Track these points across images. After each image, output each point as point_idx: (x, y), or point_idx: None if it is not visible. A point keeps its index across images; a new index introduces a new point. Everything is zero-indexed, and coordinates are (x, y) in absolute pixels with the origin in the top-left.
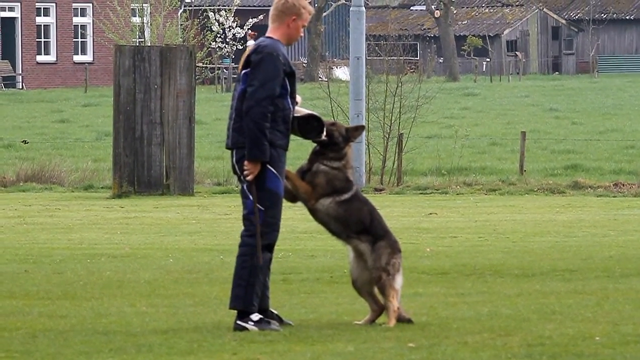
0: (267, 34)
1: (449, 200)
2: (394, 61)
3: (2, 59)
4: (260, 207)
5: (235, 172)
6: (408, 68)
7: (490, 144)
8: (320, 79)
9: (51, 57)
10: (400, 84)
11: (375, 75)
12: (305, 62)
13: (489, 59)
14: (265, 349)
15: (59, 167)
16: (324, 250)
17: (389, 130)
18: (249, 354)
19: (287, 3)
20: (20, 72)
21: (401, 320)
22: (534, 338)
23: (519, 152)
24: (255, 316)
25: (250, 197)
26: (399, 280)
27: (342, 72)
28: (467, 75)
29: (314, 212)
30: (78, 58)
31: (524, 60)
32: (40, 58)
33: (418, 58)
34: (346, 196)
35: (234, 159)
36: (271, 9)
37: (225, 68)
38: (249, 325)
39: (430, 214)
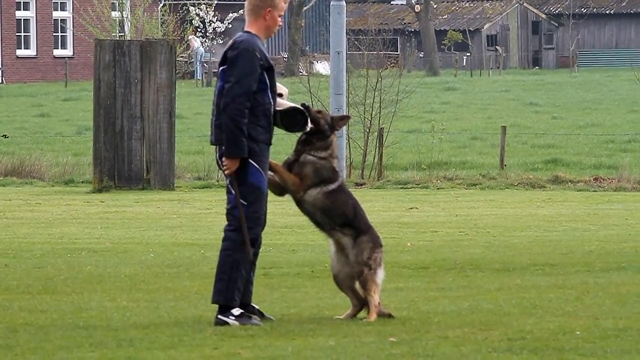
0: (245, 29)
1: (429, 194)
2: (374, 55)
3: None
4: (243, 201)
5: (219, 168)
6: (388, 62)
7: (470, 138)
8: (300, 74)
9: (31, 52)
10: (380, 79)
11: (356, 69)
12: (286, 56)
13: (469, 54)
14: (246, 343)
15: (39, 161)
16: (305, 244)
17: (369, 125)
18: (229, 349)
19: None
20: (0, 66)
21: (381, 315)
22: (514, 332)
23: (500, 146)
24: (237, 311)
25: (233, 192)
26: (380, 275)
27: (322, 67)
28: (448, 69)
29: (300, 203)
30: (58, 52)
31: (504, 54)
32: (20, 52)
33: (398, 52)
34: (333, 187)
35: (217, 154)
36: (246, 3)
37: (205, 62)
38: (230, 320)
39: (411, 208)
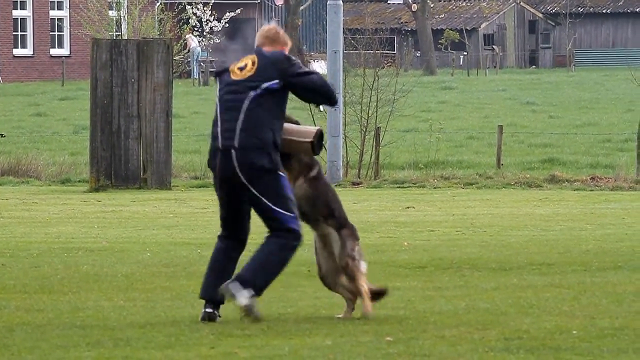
0: (259, 47)
1: (426, 194)
2: (371, 55)
3: None
4: (292, 214)
5: (236, 178)
6: (385, 62)
7: (467, 137)
8: None
9: (28, 51)
10: (377, 78)
11: (352, 68)
12: None
13: (466, 53)
14: (242, 343)
15: (35, 160)
16: (304, 243)
17: (366, 124)
18: (226, 348)
19: (279, 33)
20: None
21: (376, 293)
22: (511, 332)
23: (496, 145)
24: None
25: (282, 210)
26: (364, 265)
27: (319, 66)
28: (445, 68)
29: None
30: (55, 51)
31: (501, 54)
32: (17, 51)
33: (395, 52)
34: (314, 173)
35: (236, 161)
36: (260, 35)
37: (202, 61)
38: (247, 294)
39: (408, 207)
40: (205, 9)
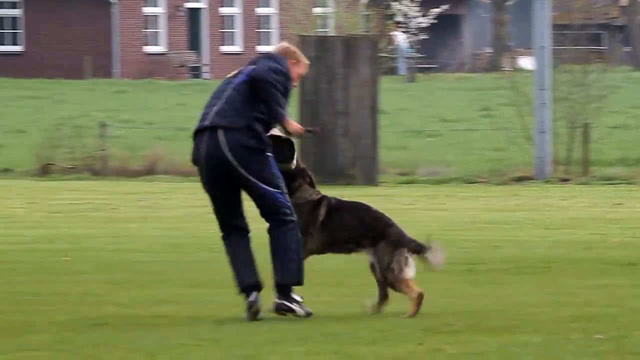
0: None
1: (636, 190)
2: (579, 50)
3: (189, 50)
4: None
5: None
6: (593, 57)
7: None
8: (503, 69)
9: (236, 48)
10: (585, 74)
11: (561, 64)
12: (490, 51)
13: None
14: (450, 339)
15: None
16: (509, 240)
17: (574, 120)
18: (434, 344)
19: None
20: (206, 62)
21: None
22: None
23: None
24: (299, 297)
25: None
26: (408, 272)
27: (526, 62)
28: None
29: None
30: (262, 48)
31: None
32: (225, 48)
33: (604, 47)
34: None
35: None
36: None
37: (410, 58)
38: (296, 307)
39: (617, 204)
40: (411, 4)
